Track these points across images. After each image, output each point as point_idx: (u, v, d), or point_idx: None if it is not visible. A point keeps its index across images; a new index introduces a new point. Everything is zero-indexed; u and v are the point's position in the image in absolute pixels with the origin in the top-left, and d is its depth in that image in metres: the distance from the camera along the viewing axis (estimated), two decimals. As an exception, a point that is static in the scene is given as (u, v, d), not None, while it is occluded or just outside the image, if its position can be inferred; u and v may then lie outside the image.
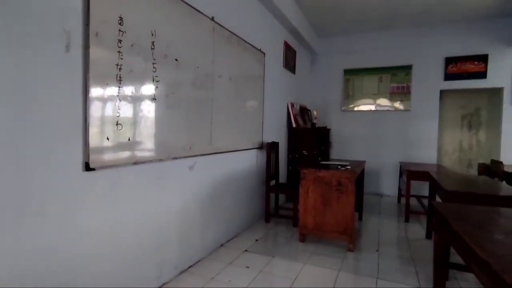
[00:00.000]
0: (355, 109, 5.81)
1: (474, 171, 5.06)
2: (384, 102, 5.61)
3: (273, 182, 3.89)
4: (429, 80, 5.27)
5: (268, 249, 2.91)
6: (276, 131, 4.31)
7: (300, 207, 3.07)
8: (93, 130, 1.56)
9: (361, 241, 3.17)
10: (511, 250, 1.12)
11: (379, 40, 5.54)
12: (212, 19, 2.64)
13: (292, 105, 4.76)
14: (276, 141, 4.07)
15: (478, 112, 5.26)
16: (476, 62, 4.99)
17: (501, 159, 4.63)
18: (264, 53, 3.76)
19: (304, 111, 5.29)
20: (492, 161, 3.85)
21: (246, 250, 2.85)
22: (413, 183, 3.99)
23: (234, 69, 3.06)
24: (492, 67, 4.89)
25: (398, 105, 5.51)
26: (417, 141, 5.36)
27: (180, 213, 2.35)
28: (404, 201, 4.01)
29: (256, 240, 3.11)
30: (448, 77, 5.17)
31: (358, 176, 3.31)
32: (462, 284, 2.27)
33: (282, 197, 4.57)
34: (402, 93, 5.50)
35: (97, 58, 1.57)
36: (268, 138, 3.97)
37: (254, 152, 3.65)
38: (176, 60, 2.21)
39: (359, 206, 3.85)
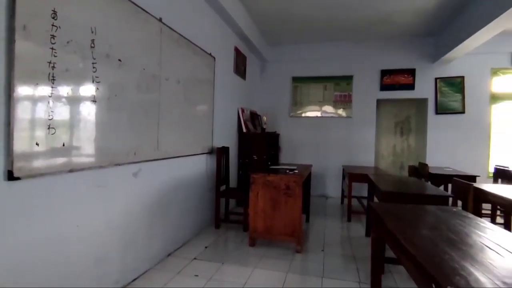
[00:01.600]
0: (303, 115, 6.07)
1: (405, 173, 5.62)
2: (329, 109, 5.96)
3: (223, 187, 3.86)
4: (367, 90, 5.75)
5: (218, 255, 2.87)
6: (226, 136, 4.30)
7: (250, 211, 3.09)
8: (19, 135, 1.39)
9: (308, 242, 3.30)
10: (433, 244, 1.26)
11: (324, 50, 5.89)
12: (160, 20, 2.56)
13: (243, 110, 4.80)
14: (227, 146, 4.06)
15: (409, 120, 5.87)
16: (406, 75, 5.58)
17: (427, 162, 5.22)
18: (214, 58, 3.74)
19: (254, 116, 5.37)
20: (420, 163, 4.31)
21: (195, 258, 2.77)
22: (355, 184, 4.30)
23: (183, 72, 2.99)
24: (418, 80, 5.51)
25: (341, 112, 5.90)
26: (358, 146, 5.79)
27: (123, 223, 2.20)
28: (347, 202, 4.29)
29: (206, 247, 3.05)
30: (383, 87, 5.69)
31: (305, 180, 3.46)
32: (396, 276, 2.49)
33: (232, 202, 4.56)
34: (344, 101, 5.90)
35: (24, 54, 1.41)
36: (219, 143, 3.95)
37: (204, 157, 3.59)
38: (120, 60, 2.08)
39: (306, 209, 4.01)
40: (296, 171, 3.22)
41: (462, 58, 5.19)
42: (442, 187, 3.86)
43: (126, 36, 2.15)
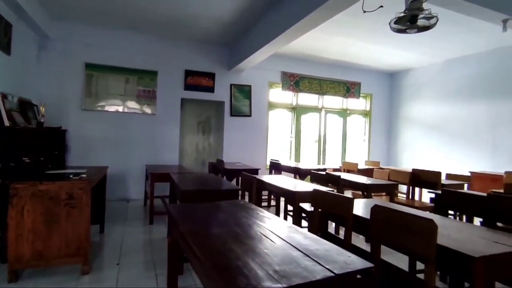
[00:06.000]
0: (100, 109, 5.25)
1: (206, 169, 6.04)
2: (132, 104, 5.47)
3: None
4: (172, 88, 5.72)
5: None
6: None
7: (10, 235, 2.25)
8: None
9: (101, 258, 2.81)
10: (222, 242, 1.26)
11: (128, 40, 5.35)
12: None
13: (4, 96, 3.51)
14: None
15: (209, 120, 6.35)
16: (207, 78, 6.00)
17: (224, 158, 5.84)
18: None
19: (26, 106, 4.08)
20: (217, 160, 4.71)
21: None
22: (160, 184, 4.12)
23: None
24: (217, 84, 6.06)
25: (145, 108, 5.56)
26: (163, 144, 5.66)
27: None
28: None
29: None
30: (187, 87, 5.85)
31: (97, 184, 2.93)
32: (194, 275, 2.51)
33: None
34: (148, 97, 5.60)
35: None
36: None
37: None
38: None
39: (100, 218, 3.44)
40: (84, 175, 2.64)
41: (249, 70, 6.16)
42: (234, 181, 4.38)
43: None
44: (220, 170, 4.49)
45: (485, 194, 2.44)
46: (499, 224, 2.23)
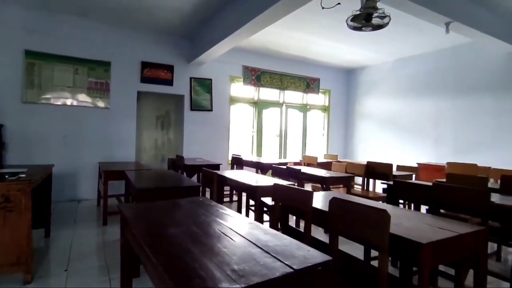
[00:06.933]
0: (45, 102, 4.79)
1: (166, 166, 5.82)
2: (82, 97, 5.06)
3: None
4: (127, 80, 5.40)
5: None
6: None
7: None
8: None
9: (46, 265, 2.57)
10: (178, 243, 1.20)
11: (77, 27, 4.92)
12: None
13: None
14: None
15: (169, 114, 6.12)
16: (165, 71, 5.75)
17: (184, 154, 5.67)
18: None
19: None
20: (177, 156, 4.56)
21: None
22: (115, 182, 3.88)
23: None
24: (176, 77, 5.84)
25: (97, 102, 5.18)
26: (118, 140, 5.33)
27: None
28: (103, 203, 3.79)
29: None
30: (144, 80, 5.56)
31: (41, 185, 2.66)
32: (152, 276, 2.40)
33: None
34: (101, 89, 5.22)
35: None
36: None
37: None
38: None
39: (45, 221, 3.15)
40: (23, 175, 2.38)
41: (210, 63, 6.02)
42: (196, 178, 4.27)
43: None
44: (180, 166, 4.35)
45: (430, 184, 2.63)
46: (442, 211, 2.42)
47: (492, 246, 3.02)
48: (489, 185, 3.04)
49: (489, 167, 4.12)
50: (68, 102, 4.95)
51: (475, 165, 4.21)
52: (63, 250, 2.89)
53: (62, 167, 4.64)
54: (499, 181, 3.03)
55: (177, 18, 4.84)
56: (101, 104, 5.21)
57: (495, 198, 2.30)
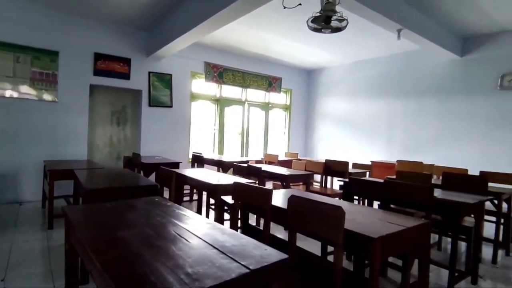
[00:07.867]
0: (-22, 92, 4.27)
1: (122, 164, 5.51)
2: (24, 89, 4.59)
3: None
4: (78, 72, 5.01)
5: None
6: None
7: None
8: None
9: (-23, 276, 2.29)
10: (128, 248, 1.12)
11: (19, 10, 4.44)
12: None
13: None
14: None
15: (125, 110, 5.79)
16: (121, 64, 5.43)
17: (141, 152, 5.41)
18: None
19: None
20: (133, 154, 4.33)
21: None
22: (64, 183, 3.58)
23: None
24: (134, 71, 5.54)
25: (43, 94, 4.74)
26: (67, 136, 4.93)
27: None
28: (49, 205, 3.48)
29: None
30: (97, 72, 5.19)
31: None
32: (103, 281, 2.25)
33: None
34: (47, 81, 4.78)
35: None
36: None
37: None
38: None
39: (-23, 226, 2.81)
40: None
41: (170, 58, 5.81)
42: (153, 176, 4.10)
43: None
44: (136, 164, 4.14)
45: (381, 181, 2.79)
46: (392, 206, 2.57)
47: (434, 237, 3.30)
48: (433, 181, 3.29)
49: (433, 165, 4.48)
50: (7, 93, 4.46)
51: (421, 163, 4.57)
52: (0, 257, 2.60)
53: (0, 166, 4.18)
54: (441, 178, 3.30)
55: (135, 7, 4.58)
56: (47, 97, 4.77)
57: (437, 193, 2.50)
